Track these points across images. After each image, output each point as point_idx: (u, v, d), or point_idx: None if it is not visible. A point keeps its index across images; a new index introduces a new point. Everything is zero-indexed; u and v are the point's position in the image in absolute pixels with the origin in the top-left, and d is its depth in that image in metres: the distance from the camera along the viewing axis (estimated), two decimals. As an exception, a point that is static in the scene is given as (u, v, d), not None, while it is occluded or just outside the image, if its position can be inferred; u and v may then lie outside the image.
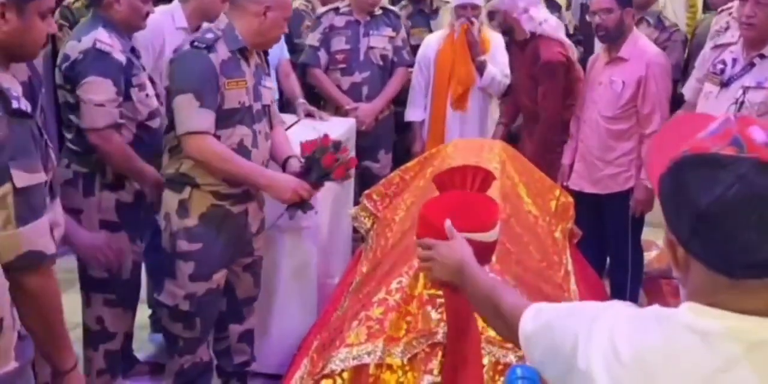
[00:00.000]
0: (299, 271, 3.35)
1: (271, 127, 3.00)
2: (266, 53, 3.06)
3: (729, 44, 3.22)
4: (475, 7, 4.22)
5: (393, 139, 4.61)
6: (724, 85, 3.07)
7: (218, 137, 2.74)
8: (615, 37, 3.67)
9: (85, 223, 3.00)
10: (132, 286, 3.21)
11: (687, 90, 3.49)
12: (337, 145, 2.92)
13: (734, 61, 3.08)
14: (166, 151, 2.88)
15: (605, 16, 3.64)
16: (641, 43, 3.70)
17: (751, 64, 3.02)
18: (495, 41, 4.32)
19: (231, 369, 3.19)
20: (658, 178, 1.10)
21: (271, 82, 3.00)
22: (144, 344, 3.64)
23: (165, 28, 3.43)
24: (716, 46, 3.33)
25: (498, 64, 4.26)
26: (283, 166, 2.98)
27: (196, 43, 2.71)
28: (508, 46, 4.32)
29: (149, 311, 3.77)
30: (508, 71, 4.28)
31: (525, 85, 4.10)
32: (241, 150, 2.80)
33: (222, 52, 2.73)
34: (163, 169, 2.91)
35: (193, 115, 2.68)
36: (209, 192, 2.82)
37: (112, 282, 3.06)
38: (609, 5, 3.63)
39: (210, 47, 2.69)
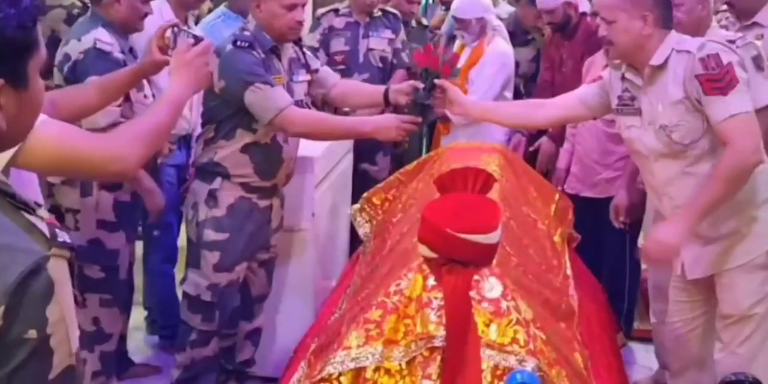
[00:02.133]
0: (297, 273, 3.34)
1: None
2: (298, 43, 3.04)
3: None
4: (461, 21, 4.12)
5: (391, 143, 4.59)
6: None
7: (255, 131, 2.82)
8: None
9: (82, 223, 2.99)
10: (127, 286, 3.21)
11: None
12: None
13: None
14: (200, 142, 2.95)
15: None
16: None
17: None
18: (490, 53, 4.15)
19: (232, 367, 3.19)
20: None
21: (306, 75, 3.01)
22: (139, 346, 3.63)
23: (155, 25, 3.41)
24: None
25: (482, 79, 4.10)
26: (386, 98, 2.94)
27: (239, 43, 2.76)
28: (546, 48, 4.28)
29: (145, 313, 3.75)
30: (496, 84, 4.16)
31: (576, 77, 3.83)
32: (274, 144, 2.88)
33: (259, 51, 2.78)
34: (196, 159, 3.00)
35: (271, 97, 2.73)
36: (239, 184, 2.88)
37: (108, 282, 3.06)
38: None
39: (252, 45, 2.75)
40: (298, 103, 2.93)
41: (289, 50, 2.94)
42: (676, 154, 2.54)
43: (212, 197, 2.88)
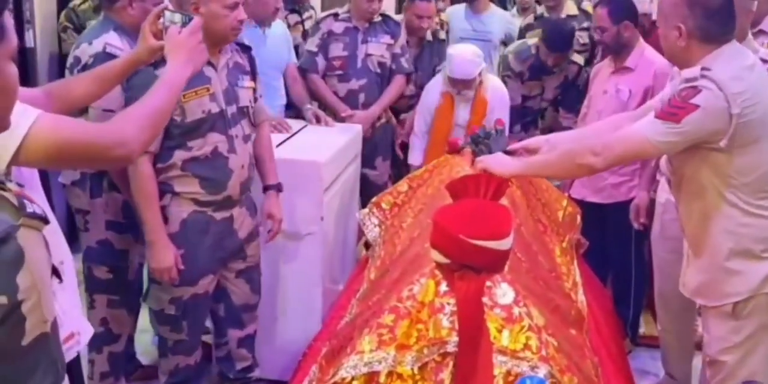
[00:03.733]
0: (304, 277, 3.34)
1: (255, 127, 2.94)
2: (246, 49, 2.95)
3: None
4: (465, 81, 4.11)
5: (391, 147, 4.60)
6: None
7: (190, 148, 2.70)
8: (616, 51, 3.70)
9: (91, 224, 3.00)
10: (135, 287, 3.22)
11: None
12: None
13: None
14: None
15: (601, 33, 3.70)
16: (648, 53, 3.70)
17: None
18: (493, 99, 4.18)
19: (233, 375, 3.13)
20: None
21: (250, 82, 2.89)
22: (147, 348, 3.62)
23: None
24: None
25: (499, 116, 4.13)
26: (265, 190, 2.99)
27: None
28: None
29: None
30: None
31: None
32: (216, 158, 2.74)
33: None
34: None
35: None
36: (189, 199, 2.76)
37: (116, 283, 3.07)
38: (602, 24, 3.67)
39: (156, 63, 2.46)
40: (243, 109, 2.83)
41: (227, 55, 2.81)
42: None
43: (163, 214, 2.75)
